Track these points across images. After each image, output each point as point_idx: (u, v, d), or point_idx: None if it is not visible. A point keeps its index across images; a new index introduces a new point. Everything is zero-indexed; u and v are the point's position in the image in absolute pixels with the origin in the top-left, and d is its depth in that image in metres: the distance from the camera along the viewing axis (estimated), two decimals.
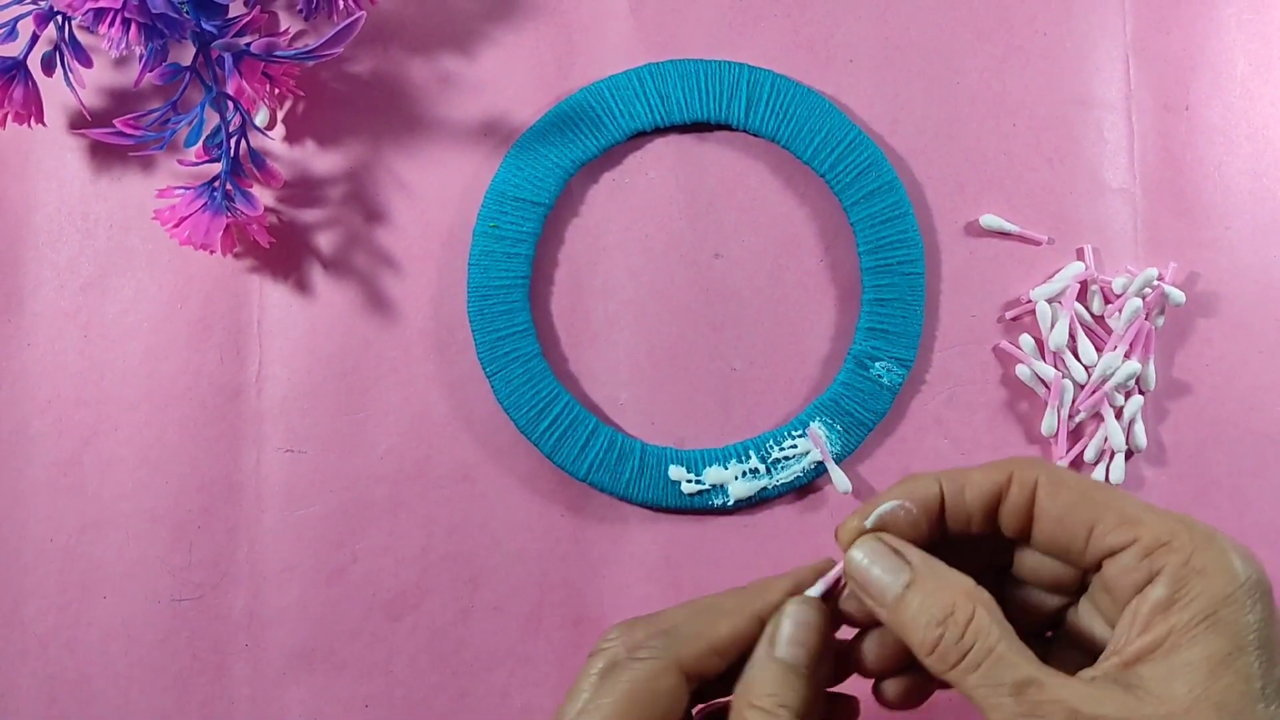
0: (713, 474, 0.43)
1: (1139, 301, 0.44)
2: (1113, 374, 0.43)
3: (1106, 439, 0.44)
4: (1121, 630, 0.28)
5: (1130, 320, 0.44)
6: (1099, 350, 0.44)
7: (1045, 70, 0.46)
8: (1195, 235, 0.45)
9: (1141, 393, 0.45)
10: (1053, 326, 0.44)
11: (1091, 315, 0.45)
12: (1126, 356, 0.44)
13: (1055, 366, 0.44)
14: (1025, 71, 0.46)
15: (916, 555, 0.30)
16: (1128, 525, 0.29)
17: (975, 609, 0.29)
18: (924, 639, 0.29)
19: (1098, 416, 0.44)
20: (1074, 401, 0.44)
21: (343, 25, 0.38)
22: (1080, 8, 0.46)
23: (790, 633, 0.31)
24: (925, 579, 0.30)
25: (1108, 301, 0.45)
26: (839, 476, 0.43)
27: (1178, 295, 0.44)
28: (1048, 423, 0.44)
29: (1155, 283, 0.44)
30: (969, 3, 0.46)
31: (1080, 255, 0.45)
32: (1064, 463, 0.44)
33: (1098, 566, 0.30)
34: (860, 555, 0.31)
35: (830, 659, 0.32)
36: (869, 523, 0.31)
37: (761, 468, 0.44)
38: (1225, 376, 0.45)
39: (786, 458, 0.44)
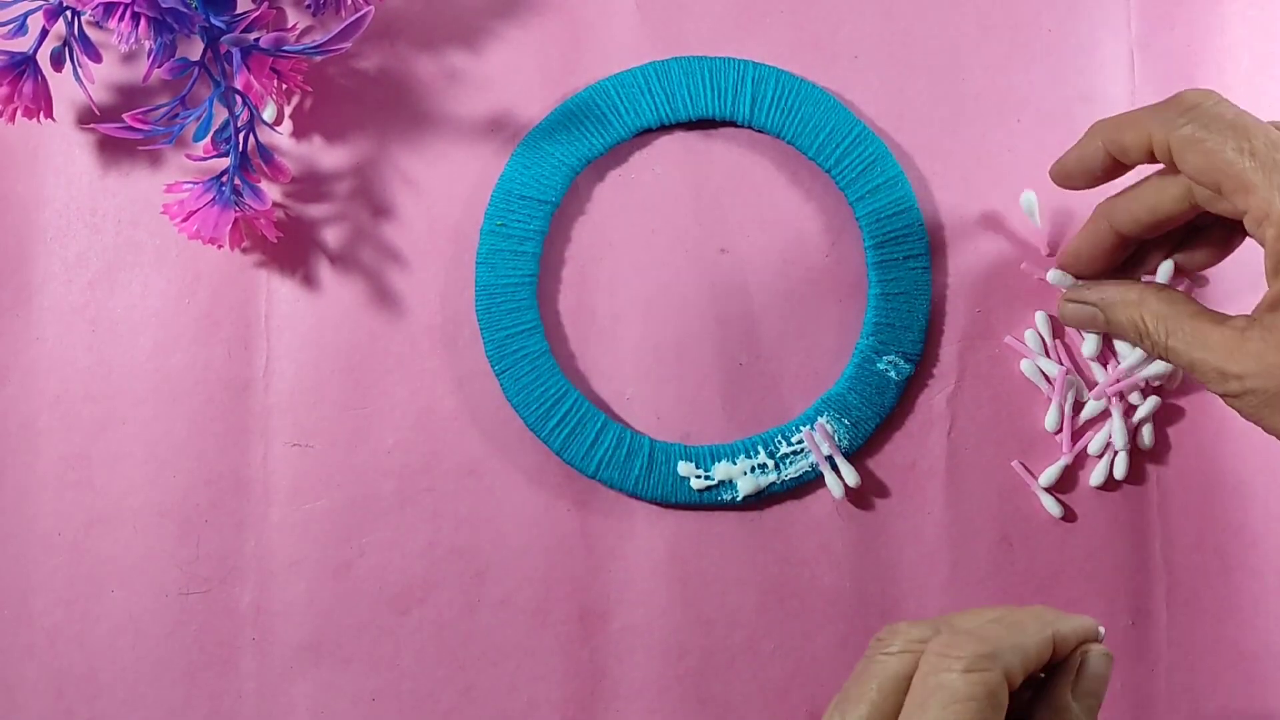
0: (721, 470, 0.43)
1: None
2: (1142, 367, 0.43)
3: (1111, 436, 0.44)
4: (1267, 282, 0.34)
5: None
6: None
7: (1050, 66, 0.46)
8: None
9: (1159, 392, 0.44)
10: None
11: None
12: None
13: (1060, 361, 0.44)
14: (1030, 67, 0.46)
15: (1094, 294, 0.40)
16: (1241, 193, 0.33)
17: (1137, 309, 0.38)
18: (1132, 338, 0.39)
19: (1105, 413, 0.44)
20: (1091, 392, 0.44)
21: (350, 20, 0.38)
22: (1085, 4, 0.46)
23: (1088, 686, 0.32)
24: (1107, 309, 0.40)
25: None
26: (839, 477, 0.43)
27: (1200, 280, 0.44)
28: (1051, 418, 0.44)
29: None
30: None
31: None
32: (1068, 459, 0.44)
33: None
34: (1067, 311, 0.42)
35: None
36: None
37: (770, 463, 0.44)
38: None
39: (795, 453, 0.44)
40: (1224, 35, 0.46)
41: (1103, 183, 0.40)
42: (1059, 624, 0.32)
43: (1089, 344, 0.44)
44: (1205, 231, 0.41)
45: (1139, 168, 0.39)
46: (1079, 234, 0.42)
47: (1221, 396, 0.36)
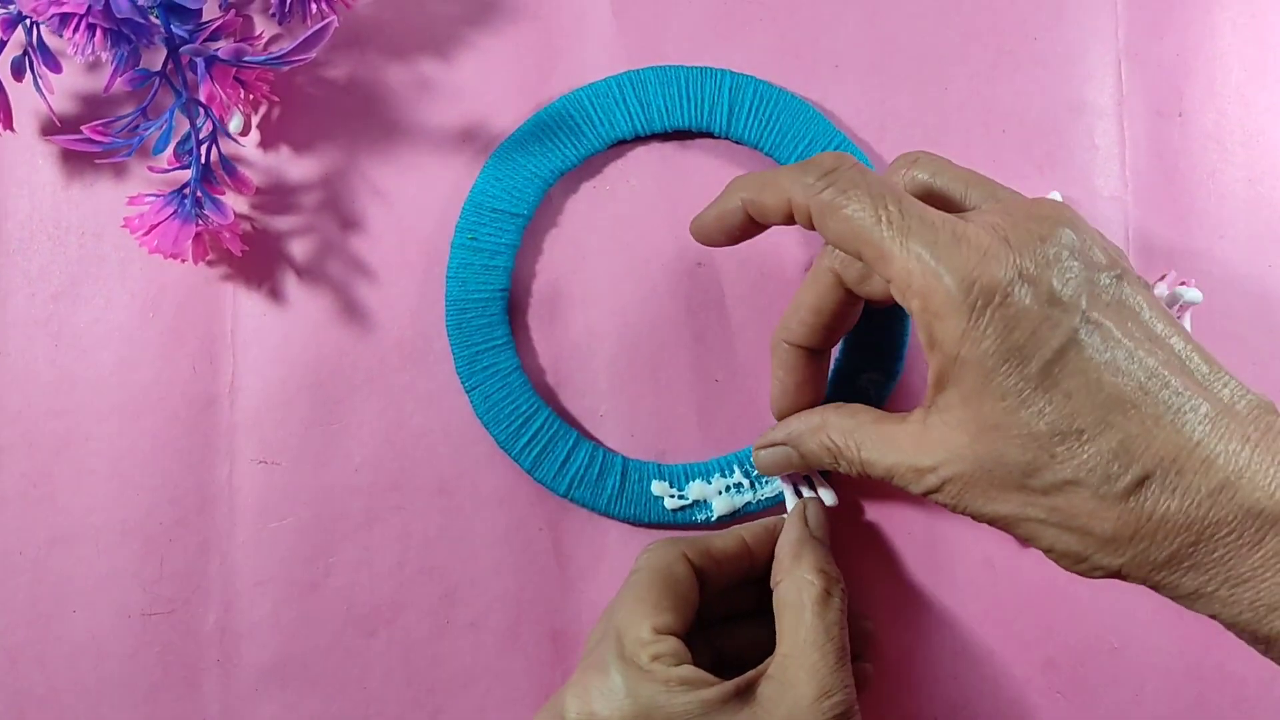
0: (696, 489, 0.43)
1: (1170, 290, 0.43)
2: None
3: None
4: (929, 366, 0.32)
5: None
6: None
7: (1036, 75, 0.45)
8: (1188, 244, 0.45)
9: None
10: None
11: None
12: None
13: None
14: (1015, 77, 0.45)
15: (781, 433, 0.39)
16: (881, 262, 0.30)
17: (823, 433, 0.36)
18: (829, 463, 0.37)
19: None
20: None
21: (313, 30, 0.38)
22: (1072, 12, 0.45)
23: (820, 518, 0.39)
24: (795, 443, 0.38)
25: None
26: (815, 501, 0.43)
27: (1194, 294, 0.42)
28: None
29: (1165, 289, 0.43)
30: (958, 7, 0.45)
31: None
32: None
33: None
34: (763, 459, 0.40)
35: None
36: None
37: (746, 482, 0.43)
38: None
39: None
40: (1214, 43, 0.45)
41: (740, 241, 0.36)
42: (751, 527, 0.41)
43: None
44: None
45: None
46: (773, 378, 0.39)
47: (927, 496, 0.32)
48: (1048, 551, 0.31)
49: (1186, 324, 0.44)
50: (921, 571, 0.43)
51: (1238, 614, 0.28)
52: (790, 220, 0.34)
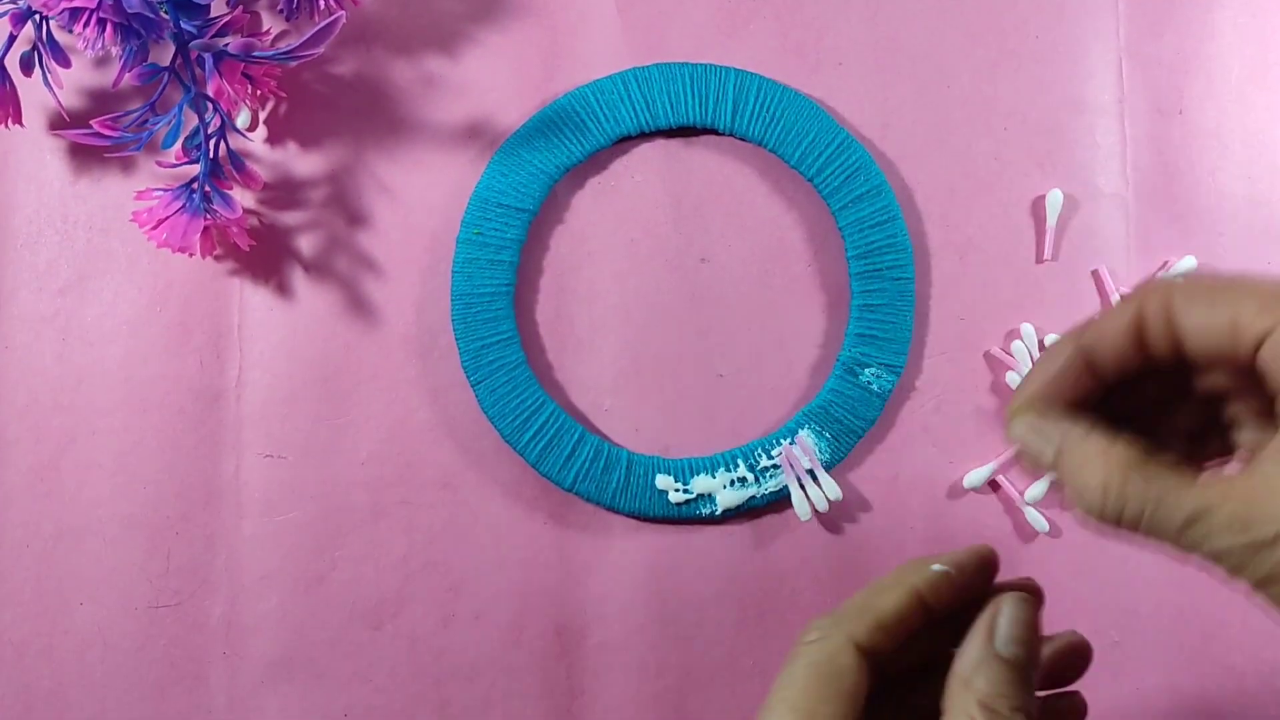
0: (700, 483, 0.43)
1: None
2: None
3: None
4: None
5: None
6: None
7: (1037, 74, 0.45)
8: (1188, 241, 0.45)
9: None
10: None
11: None
12: None
13: None
14: (1017, 75, 0.45)
15: (1059, 431, 0.30)
16: (1268, 308, 0.27)
17: (1109, 476, 0.28)
18: (1083, 508, 0.29)
19: None
20: None
21: (321, 25, 0.38)
22: (1073, 11, 0.45)
23: (1011, 630, 0.31)
24: (1066, 454, 0.29)
25: None
26: (820, 492, 0.43)
27: (1189, 261, 0.43)
28: None
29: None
30: (960, 6, 0.45)
31: (1096, 279, 0.44)
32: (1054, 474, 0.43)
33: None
34: (1019, 429, 0.30)
35: (1039, 657, 0.31)
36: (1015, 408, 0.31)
37: (750, 476, 0.43)
38: None
39: (775, 466, 0.43)
40: (1214, 42, 0.46)
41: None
42: (920, 570, 0.32)
43: None
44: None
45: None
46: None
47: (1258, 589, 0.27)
48: None
49: None
50: None
51: None
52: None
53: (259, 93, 0.42)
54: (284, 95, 0.43)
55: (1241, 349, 0.28)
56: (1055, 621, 0.43)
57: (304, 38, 0.38)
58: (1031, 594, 0.31)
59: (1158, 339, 0.29)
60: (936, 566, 0.31)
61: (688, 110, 0.44)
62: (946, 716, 0.30)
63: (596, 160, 0.44)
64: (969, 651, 0.30)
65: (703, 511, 0.43)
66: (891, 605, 0.31)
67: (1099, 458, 0.28)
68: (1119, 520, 0.28)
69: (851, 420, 0.43)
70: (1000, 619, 0.31)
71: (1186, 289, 0.28)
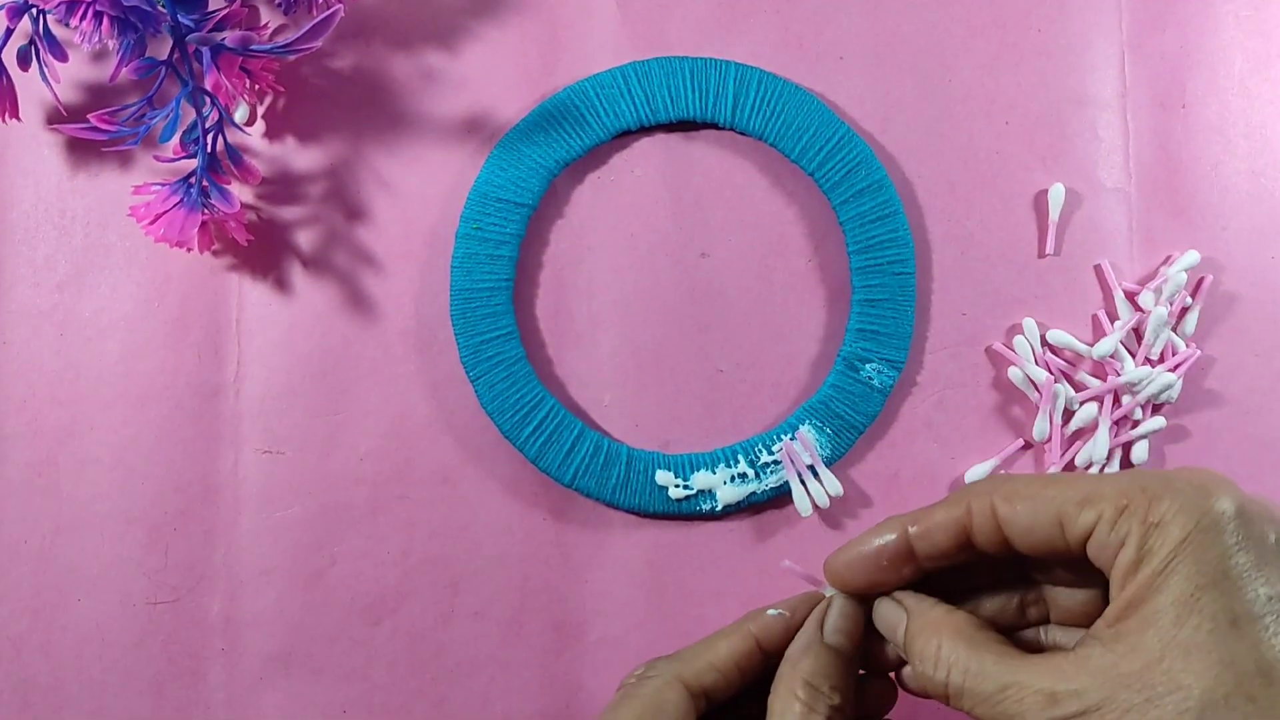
0: (701, 479, 0.43)
1: (1182, 277, 0.43)
2: (1145, 386, 0.42)
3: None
4: (1111, 596, 0.29)
5: (1172, 295, 0.43)
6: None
7: (1039, 67, 0.45)
8: (1191, 236, 0.45)
9: (1160, 410, 0.44)
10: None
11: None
12: (1153, 365, 0.43)
13: (1048, 369, 0.44)
14: (1018, 68, 0.45)
15: (911, 600, 0.33)
16: (1089, 505, 0.30)
17: (940, 643, 0.31)
18: (914, 679, 0.33)
19: (1095, 424, 0.43)
20: (1081, 405, 0.43)
21: (319, 19, 0.38)
22: (1075, 4, 0.45)
23: (837, 621, 0.34)
24: (913, 619, 0.33)
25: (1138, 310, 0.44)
26: (821, 488, 0.43)
27: (1192, 256, 0.43)
28: (1039, 427, 0.43)
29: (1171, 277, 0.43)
30: None
31: (1098, 274, 0.44)
32: (1057, 468, 0.43)
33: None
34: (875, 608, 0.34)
35: (861, 649, 0.35)
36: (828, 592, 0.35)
37: (750, 472, 0.43)
38: (1220, 380, 0.44)
39: (776, 462, 0.43)
40: (1217, 36, 0.45)
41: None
42: (759, 618, 0.35)
43: (1104, 344, 0.43)
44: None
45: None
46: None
47: None
48: None
49: (1193, 315, 0.44)
50: None
51: None
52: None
53: (257, 87, 0.42)
54: (282, 89, 0.43)
55: (1071, 543, 0.30)
56: None
57: (302, 31, 0.38)
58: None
59: (987, 539, 0.32)
60: (772, 612, 0.35)
61: (688, 104, 0.43)
62: (774, 692, 0.34)
63: (596, 155, 0.44)
64: (800, 638, 0.34)
65: (703, 507, 0.43)
66: (725, 647, 0.35)
67: (936, 624, 0.32)
68: (946, 684, 0.30)
69: (852, 416, 0.43)
70: (831, 612, 0.35)
71: (1008, 493, 0.31)
